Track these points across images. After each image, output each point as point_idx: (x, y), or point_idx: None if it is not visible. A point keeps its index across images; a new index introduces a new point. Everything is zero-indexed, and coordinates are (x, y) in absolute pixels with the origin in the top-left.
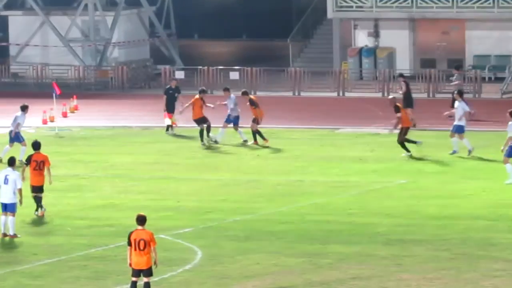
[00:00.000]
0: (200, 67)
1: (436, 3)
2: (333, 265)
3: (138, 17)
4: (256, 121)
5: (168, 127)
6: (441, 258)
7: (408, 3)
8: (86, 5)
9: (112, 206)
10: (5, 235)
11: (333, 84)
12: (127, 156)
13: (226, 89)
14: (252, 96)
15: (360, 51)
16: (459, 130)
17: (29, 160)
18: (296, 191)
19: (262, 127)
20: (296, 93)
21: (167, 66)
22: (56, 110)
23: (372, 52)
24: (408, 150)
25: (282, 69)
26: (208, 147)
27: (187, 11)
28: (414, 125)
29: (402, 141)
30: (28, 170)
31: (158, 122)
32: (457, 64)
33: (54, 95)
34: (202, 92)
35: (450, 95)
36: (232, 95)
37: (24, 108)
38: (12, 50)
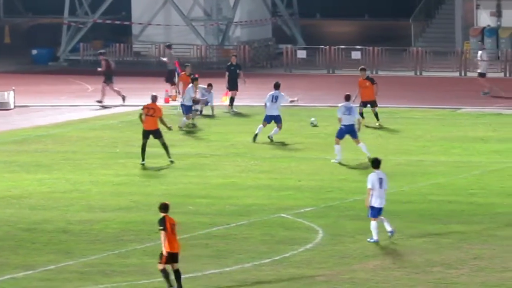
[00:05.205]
0: (322, 46)
1: None
2: (454, 245)
3: None
4: None
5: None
6: None
7: None
8: None
9: (233, 185)
10: None
11: (455, 64)
12: (249, 135)
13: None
14: None
15: (482, 31)
16: None
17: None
18: (417, 171)
19: (382, 107)
20: (418, 73)
21: (289, 46)
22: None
23: (494, 32)
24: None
25: (404, 49)
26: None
27: None
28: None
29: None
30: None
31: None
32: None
33: (176, 74)
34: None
35: None
36: None
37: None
38: (135, 29)
